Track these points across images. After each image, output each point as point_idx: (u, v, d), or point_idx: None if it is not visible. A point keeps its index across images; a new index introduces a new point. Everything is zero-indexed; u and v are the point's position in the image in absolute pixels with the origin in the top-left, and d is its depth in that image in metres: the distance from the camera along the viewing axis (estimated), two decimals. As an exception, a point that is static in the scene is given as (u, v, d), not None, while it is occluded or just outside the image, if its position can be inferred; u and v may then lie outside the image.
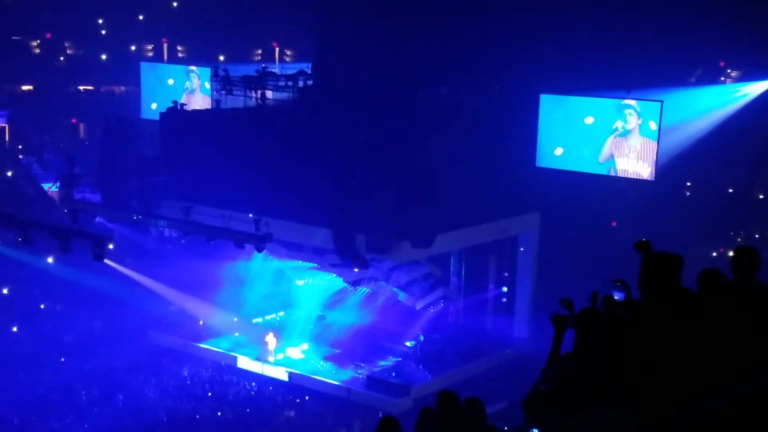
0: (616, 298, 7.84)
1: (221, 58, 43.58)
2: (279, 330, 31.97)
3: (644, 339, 5.55)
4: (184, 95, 39.33)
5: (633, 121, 29.42)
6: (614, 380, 5.58)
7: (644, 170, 29.49)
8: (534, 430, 6.66)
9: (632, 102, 29.49)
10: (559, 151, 31.22)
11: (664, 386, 5.33)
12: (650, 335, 5.54)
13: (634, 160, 29.48)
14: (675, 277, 5.69)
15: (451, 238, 28.72)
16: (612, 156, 30.10)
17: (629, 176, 29.74)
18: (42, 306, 32.83)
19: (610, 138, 29.98)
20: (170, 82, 40.74)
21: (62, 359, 30.03)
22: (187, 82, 40.17)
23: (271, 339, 30.63)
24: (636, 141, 29.42)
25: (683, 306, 5.67)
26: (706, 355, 5.46)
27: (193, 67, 40.11)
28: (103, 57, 47.33)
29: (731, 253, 6.70)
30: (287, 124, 30.40)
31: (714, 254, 30.33)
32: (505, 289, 32.86)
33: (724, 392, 5.15)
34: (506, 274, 32.81)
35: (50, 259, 32.08)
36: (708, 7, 30.30)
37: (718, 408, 5.05)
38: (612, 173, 30.09)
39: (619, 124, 29.75)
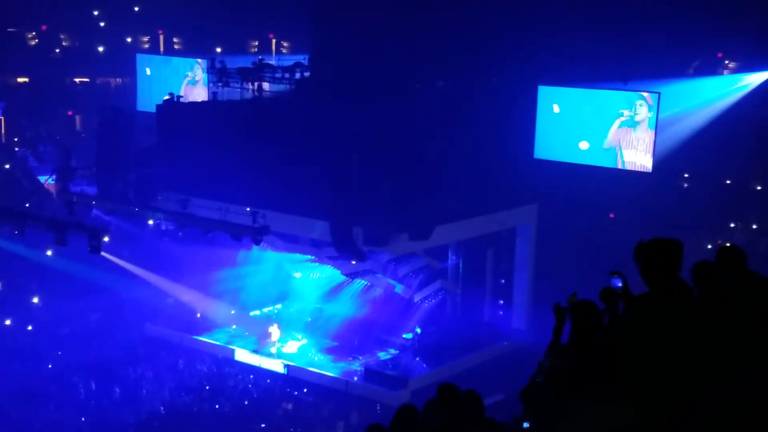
0: (617, 285, 7.76)
1: (218, 49, 43.42)
2: (278, 322, 31.96)
3: (644, 333, 5.50)
4: (184, 86, 39.13)
5: (643, 112, 28.93)
6: (612, 373, 5.54)
7: (650, 163, 29.21)
8: (525, 424, 6.62)
9: (645, 94, 29.10)
10: (560, 143, 31.04)
11: (663, 381, 5.30)
12: (649, 329, 5.50)
13: (642, 152, 29.03)
14: (676, 264, 5.63)
15: (448, 230, 28.69)
16: (619, 145, 29.73)
17: (636, 168, 29.33)
18: (38, 299, 32.77)
19: (615, 125, 29.57)
20: (166, 73, 40.51)
21: (59, 352, 29.99)
22: (190, 73, 39.86)
23: (274, 330, 30.64)
24: (645, 134, 28.98)
25: (683, 299, 5.62)
26: (706, 350, 5.41)
27: (199, 60, 39.84)
28: (99, 49, 47.16)
29: (716, 255, 6.62)
30: (284, 116, 30.30)
31: (710, 246, 30.31)
32: (503, 281, 32.85)
33: (723, 388, 5.11)
34: (504, 266, 32.80)
35: (48, 252, 32.01)
36: (706, -1, 30.28)
37: (717, 404, 5.01)
38: (620, 164, 29.67)
39: (626, 112, 29.33)
